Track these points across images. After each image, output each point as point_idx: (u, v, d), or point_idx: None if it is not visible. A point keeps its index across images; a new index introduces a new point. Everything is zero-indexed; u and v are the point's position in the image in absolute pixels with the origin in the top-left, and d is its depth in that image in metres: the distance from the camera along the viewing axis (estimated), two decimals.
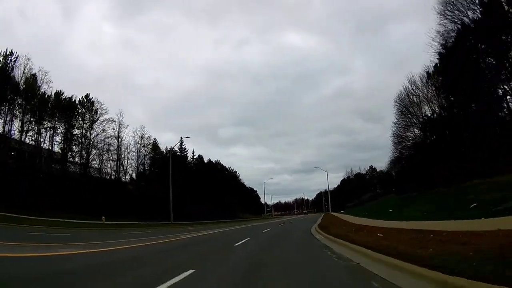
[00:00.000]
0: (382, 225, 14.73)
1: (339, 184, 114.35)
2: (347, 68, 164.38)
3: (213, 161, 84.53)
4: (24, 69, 39.71)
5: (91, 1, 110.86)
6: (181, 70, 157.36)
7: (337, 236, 11.18)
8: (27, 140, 41.48)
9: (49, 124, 44.67)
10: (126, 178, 55.84)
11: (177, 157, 66.46)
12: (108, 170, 52.50)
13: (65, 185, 39.06)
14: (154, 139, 61.46)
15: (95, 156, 50.01)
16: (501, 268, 3.86)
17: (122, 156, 53.95)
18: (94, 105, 49.43)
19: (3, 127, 37.93)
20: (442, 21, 32.77)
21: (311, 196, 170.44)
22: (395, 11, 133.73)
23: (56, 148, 46.13)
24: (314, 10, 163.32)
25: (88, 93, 49.57)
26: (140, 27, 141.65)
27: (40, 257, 7.92)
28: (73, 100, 48.00)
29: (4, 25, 61.67)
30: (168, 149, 61.83)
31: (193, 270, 5.95)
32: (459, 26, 31.21)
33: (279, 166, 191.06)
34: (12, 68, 38.90)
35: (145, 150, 58.33)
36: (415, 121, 39.82)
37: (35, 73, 41.23)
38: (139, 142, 56.49)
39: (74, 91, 49.60)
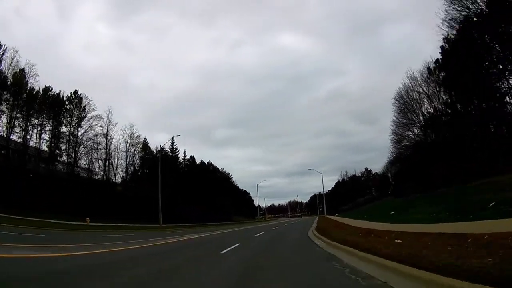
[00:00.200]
0: (391, 229, 12.96)
1: (333, 186, 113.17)
2: (342, 69, 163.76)
3: (206, 162, 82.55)
4: (11, 62, 38.24)
5: (86, 1, 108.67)
6: (175, 71, 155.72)
7: (344, 243, 9.37)
8: (14, 137, 40.06)
9: (37, 121, 42.88)
10: (115, 179, 53.74)
11: (168, 157, 64.35)
12: (97, 169, 50.47)
13: (51, 185, 37.45)
14: (145, 138, 59.38)
15: (82, 155, 47.92)
16: None
17: (112, 155, 51.84)
18: (83, 101, 47.40)
19: None
20: (448, 8, 31.24)
21: (305, 199, 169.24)
22: (391, 13, 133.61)
23: (44, 147, 44.46)
24: (310, 12, 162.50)
25: (77, 89, 47.59)
26: (135, 27, 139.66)
27: None
28: (61, 96, 46.00)
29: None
30: (159, 148, 59.73)
31: None
32: (466, 13, 29.65)
33: (273, 169, 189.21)
34: (0, 61, 37.37)
35: (135, 150, 56.19)
36: (415, 119, 38.46)
37: (24, 68, 39.80)
38: (128, 141, 54.35)
39: (68, 91, 47.40)
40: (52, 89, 44.98)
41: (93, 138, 47.63)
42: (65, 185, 39.95)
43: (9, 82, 38.14)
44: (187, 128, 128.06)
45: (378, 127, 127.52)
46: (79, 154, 47.28)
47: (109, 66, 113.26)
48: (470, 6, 29.81)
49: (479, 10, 32.17)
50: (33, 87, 41.41)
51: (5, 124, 38.15)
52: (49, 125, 44.41)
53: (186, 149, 77.17)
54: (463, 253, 5.13)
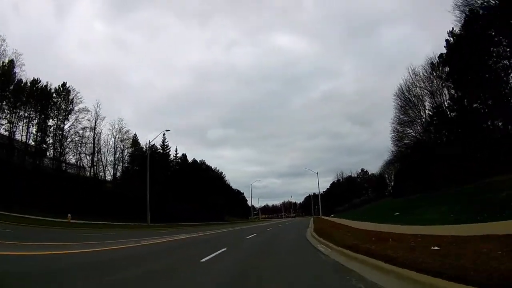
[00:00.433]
0: (405, 231, 11.05)
1: (328, 187, 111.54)
2: (337, 71, 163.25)
3: (198, 161, 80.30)
4: None
5: None
6: (170, 70, 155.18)
7: (356, 250, 7.41)
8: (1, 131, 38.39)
9: (25, 114, 41.12)
10: (105, 175, 51.43)
11: (158, 154, 62.10)
12: (84, 164, 48.00)
13: (36, 180, 35.52)
14: (135, 134, 56.85)
15: (69, 150, 45.57)
16: None
17: (100, 150, 49.38)
18: (70, 94, 45.09)
19: None
20: None
21: (299, 200, 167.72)
22: (387, 15, 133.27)
23: (31, 141, 42.42)
24: (306, 13, 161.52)
25: (65, 81, 45.59)
26: (130, 26, 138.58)
27: None
28: (49, 88, 43.71)
29: None
30: (149, 145, 57.37)
31: None
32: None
33: (267, 169, 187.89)
34: None
35: (124, 145, 53.67)
36: (416, 116, 36.82)
37: (12, 59, 38.02)
38: (117, 136, 51.87)
39: (57, 84, 45.39)
40: (40, 81, 43.29)
41: (79, 132, 45.33)
42: (50, 180, 38.08)
43: None
44: (181, 128, 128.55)
45: (372, 129, 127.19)
46: (65, 148, 44.97)
47: (103, 64, 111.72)
48: None
49: (485, 4, 30.72)
50: (21, 79, 39.96)
51: None
52: (36, 118, 42.50)
53: (181, 149, 75.74)
54: None
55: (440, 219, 14.32)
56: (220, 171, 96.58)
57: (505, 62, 29.59)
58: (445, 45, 34.51)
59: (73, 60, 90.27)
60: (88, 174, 47.94)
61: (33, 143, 42.41)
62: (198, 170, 74.30)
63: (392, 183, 57.49)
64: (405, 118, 38.94)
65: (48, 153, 44.26)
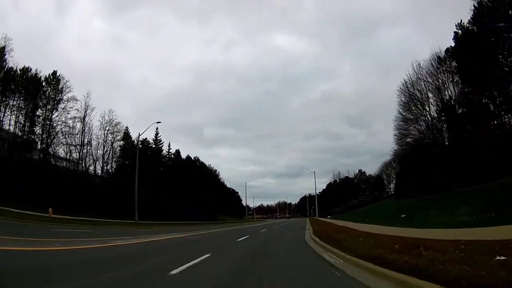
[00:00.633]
0: (430, 236, 8.98)
1: (324, 188, 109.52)
2: (336, 72, 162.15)
3: (192, 157, 77.96)
4: None
5: None
6: (169, 69, 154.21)
7: (384, 263, 5.33)
8: None
9: (14, 103, 39.48)
10: (93, 169, 49.02)
11: (151, 148, 59.80)
12: (72, 157, 45.57)
13: (22, 172, 33.66)
14: (126, 127, 54.38)
15: (56, 141, 43.19)
16: None
17: (89, 142, 46.93)
18: (60, 83, 42.79)
19: None
20: None
21: (294, 200, 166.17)
22: (386, 16, 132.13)
23: (17, 130, 40.30)
24: (305, 13, 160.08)
25: (56, 70, 43.49)
26: (130, 24, 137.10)
27: None
28: (39, 77, 41.53)
29: None
30: (141, 139, 55.03)
31: None
32: None
33: (263, 169, 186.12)
34: None
35: (113, 137, 51.19)
36: (420, 112, 35.03)
37: (4, 46, 36.42)
38: (107, 127, 49.41)
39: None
40: (30, 70, 41.47)
41: (67, 121, 42.97)
42: (37, 172, 36.09)
43: None
44: (179, 127, 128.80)
45: (370, 131, 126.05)
46: (53, 138, 42.59)
47: (101, 61, 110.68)
48: None
49: None
50: (11, 67, 38.12)
51: None
52: (25, 108, 40.45)
53: (179, 148, 72.87)
54: None
55: (461, 222, 12.38)
56: (214, 168, 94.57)
57: None
58: (453, 37, 32.76)
59: (72, 57, 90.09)
60: (76, 167, 45.59)
61: (20, 132, 40.39)
62: (192, 166, 72.05)
63: (391, 185, 55.78)
64: (409, 115, 37.25)
65: (36, 145, 42.14)
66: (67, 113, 42.87)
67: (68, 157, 45.21)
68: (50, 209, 28.80)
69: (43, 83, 42.33)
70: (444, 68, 33.67)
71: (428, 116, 34.70)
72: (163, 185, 55.68)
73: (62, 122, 42.80)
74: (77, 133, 44.72)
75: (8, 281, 4.57)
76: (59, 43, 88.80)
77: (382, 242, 8.57)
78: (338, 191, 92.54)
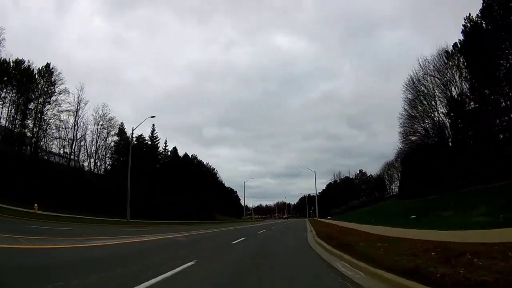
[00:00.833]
0: (460, 239, 7.36)
1: (324, 188, 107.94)
2: (336, 72, 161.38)
3: (190, 155, 76.30)
4: None
5: None
6: (169, 69, 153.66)
7: (432, 282, 3.75)
8: None
9: (6, 95, 38.24)
10: (89, 165, 47.51)
11: (147, 145, 58.19)
12: (65, 151, 43.95)
13: (13, 167, 32.34)
14: (121, 123, 52.66)
15: (47, 133, 41.51)
16: None
17: (82, 137, 45.29)
18: (53, 76, 41.30)
19: None
20: None
21: (293, 201, 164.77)
22: (386, 17, 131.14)
23: (7, 123, 38.98)
24: (305, 13, 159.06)
25: (49, 62, 42.20)
26: (130, 23, 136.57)
27: None
28: (32, 69, 40.06)
29: None
30: (137, 135, 53.41)
31: None
32: None
33: (263, 169, 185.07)
34: None
35: (107, 133, 49.45)
36: (427, 109, 33.53)
37: None
38: (100, 122, 47.70)
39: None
40: (24, 62, 40.29)
41: (58, 114, 41.35)
42: (27, 167, 34.66)
43: None
44: (178, 126, 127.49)
45: (370, 132, 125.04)
46: (45, 131, 41.00)
47: (101, 60, 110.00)
48: None
49: None
50: (4, 59, 37.11)
51: None
52: (17, 100, 39.16)
53: (178, 147, 71.16)
54: None
55: (487, 222, 10.89)
56: (212, 167, 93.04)
57: None
58: (461, 30, 31.35)
59: (72, 56, 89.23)
60: (68, 163, 43.96)
61: (10, 126, 39.07)
62: (189, 164, 70.52)
63: (393, 185, 54.21)
64: (414, 113, 35.82)
65: (27, 139, 40.52)
66: (59, 106, 41.36)
67: (60, 152, 43.72)
68: (36, 205, 27.59)
69: (36, 76, 41.08)
70: (452, 63, 32.24)
71: (435, 113, 33.18)
72: (160, 182, 54.10)
73: (54, 115, 41.33)
74: (70, 128, 43.22)
75: None
76: (59, 42, 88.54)
77: (407, 248, 6.94)
78: (338, 191, 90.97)
